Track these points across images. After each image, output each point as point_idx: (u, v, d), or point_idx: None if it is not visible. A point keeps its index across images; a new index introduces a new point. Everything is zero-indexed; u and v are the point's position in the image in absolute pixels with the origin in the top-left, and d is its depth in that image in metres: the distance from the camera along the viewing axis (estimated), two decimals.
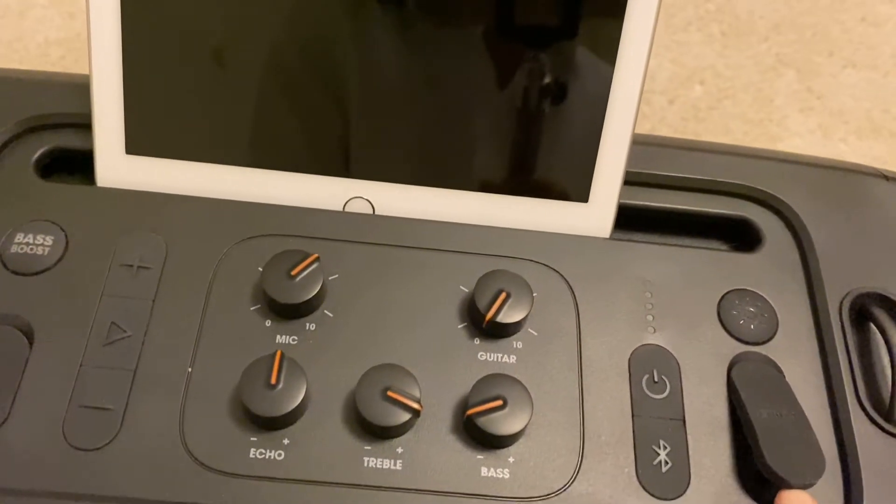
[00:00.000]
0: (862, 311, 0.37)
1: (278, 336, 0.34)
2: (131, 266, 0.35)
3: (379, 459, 0.32)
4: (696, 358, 0.36)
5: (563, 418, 0.34)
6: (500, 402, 0.32)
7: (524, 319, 0.35)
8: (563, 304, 0.36)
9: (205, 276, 0.35)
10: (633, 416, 0.34)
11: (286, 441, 0.32)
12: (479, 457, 0.33)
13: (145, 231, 0.36)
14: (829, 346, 0.36)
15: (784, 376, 0.35)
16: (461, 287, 0.36)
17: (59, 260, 0.35)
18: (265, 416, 0.31)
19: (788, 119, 0.66)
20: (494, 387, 0.33)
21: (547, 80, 0.37)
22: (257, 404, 0.31)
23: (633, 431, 0.34)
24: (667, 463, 0.33)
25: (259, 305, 0.35)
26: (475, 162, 0.39)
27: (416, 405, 0.32)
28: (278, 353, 0.32)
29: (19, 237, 0.35)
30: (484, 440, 0.32)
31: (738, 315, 0.37)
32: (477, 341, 0.35)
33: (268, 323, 0.34)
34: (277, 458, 0.32)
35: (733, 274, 0.38)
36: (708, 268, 0.38)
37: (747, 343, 0.36)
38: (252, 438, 0.32)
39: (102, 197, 0.37)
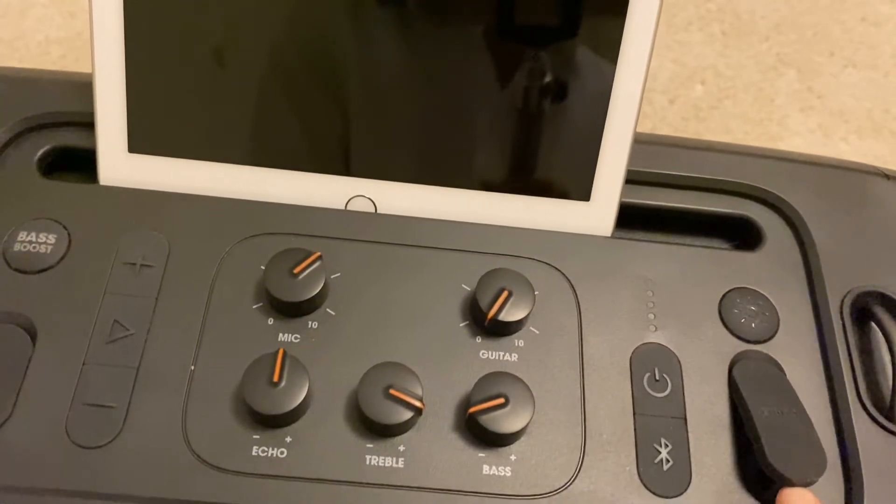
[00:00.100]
0: (863, 310, 0.37)
1: (281, 334, 0.34)
2: (134, 264, 0.35)
3: (381, 457, 0.32)
4: (698, 356, 0.36)
5: (565, 416, 0.34)
6: (501, 401, 0.32)
7: (526, 318, 0.35)
8: (565, 303, 0.36)
9: (207, 275, 0.35)
10: (634, 414, 0.34)
11: (288, 439, 0.32)
12: (481, 455, 0.33)
13: (148, 229, 0.36)
14: (829, 344, 0.36)
15: (785, 374, 0.35)
16: (463, 285, 0.36)
17: (62, 258, 0.35)
18: (267, 413, 0.31)
19: (789, 118, 0.66)
20: (496, 385, 0.33)
21: (548, 79, 0.37)
22: (260, 402, 0.31)
23: (635, 430, 0.34)
24: (668, 461, 0.33)
25: (261, 304, 0.35)
26: (477, 161, 0.39)
27: (418, 403, 0.32)
28: (280, 352, 0.32)
29: (22, 235, 0.35)
30: (486, 438, 0.33)
31: (740, 313, 0.37)
32: (479, 340, 0.35)
33: (270, 321, 0.34)
34: (280, 455, 0.32)
35: (734, 272, 0.38)
36: (709, 266, 0.38)
37: (748, 341, 0.36)
38: (254, 436, 0.32)
39: (105, 195, 0.37)
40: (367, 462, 0.32)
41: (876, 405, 0.35)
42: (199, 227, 0.36)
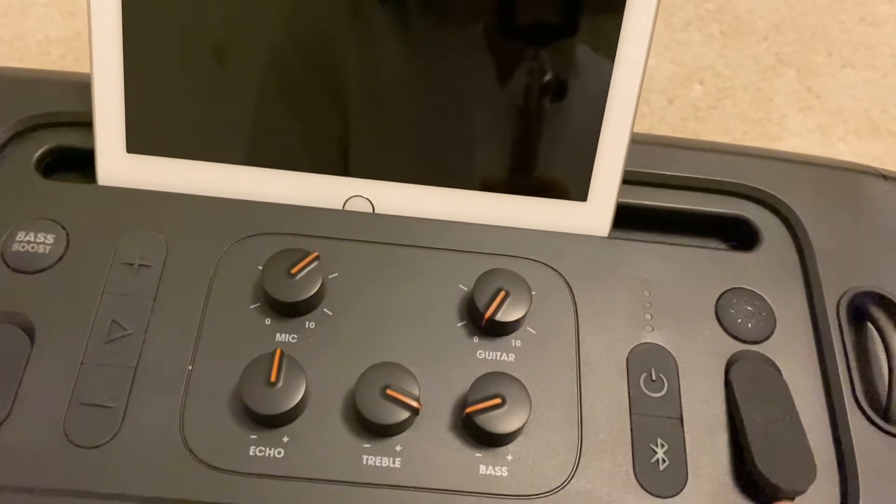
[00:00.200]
0: (860, 310, 0.38)
1: (278, 334, 0.34)
2: (132, 264, 0.35)
3: (378, 457, 0.32)
4: (694, 356, 0.36)
5: (562, 416, 0.34)
6: (498, 401, 0.32)
7: (523, 318, 0.35)
8: (562, 303, 0.36)
9: (205, 275, 0.35)
10: (630, 414, 0.34)
11: (286, 439, 0.32)
12: (478, 455, 0.33)
13: (146, 229, 0.36)
14: (826, 344, 0.36)
15: (781, 375, 0.35)
16: (460, 286, 0.36)
17: (61, 258, 0.35)
18: (265, 413, 0.31)
19: (788, 119, 0.66)
20: (493, 385, 0.33)
21: (546, 78, 0.37)
22: (257, 402, 0.31)
23: (631, 430, 0.34)
24: (664, 461, 0.33)
25: (259, 304, 0.35)
26: (474, 160, 0.39)
27: (415, 403, 0.32)
28: (278, 352, 0.32)
29: (20, 235, 0.36)
30: (482, 438, 0.33)
31: (736, 314, 0.37)
32: (476, 340, 0.35)
33: (268, 321, 0.35)
34: (277, 455, 0.32)
35: (731, 273, 0.38)
36: (706, 267, 0.38)
37: (745, 342, 0.36)
38: (252, 436, 0.32)
39: (103, 195, 0.37)
40: (364, 462, 0.32)
41: (872, 405, 0.35)
42: (198, 227, 0.36)
